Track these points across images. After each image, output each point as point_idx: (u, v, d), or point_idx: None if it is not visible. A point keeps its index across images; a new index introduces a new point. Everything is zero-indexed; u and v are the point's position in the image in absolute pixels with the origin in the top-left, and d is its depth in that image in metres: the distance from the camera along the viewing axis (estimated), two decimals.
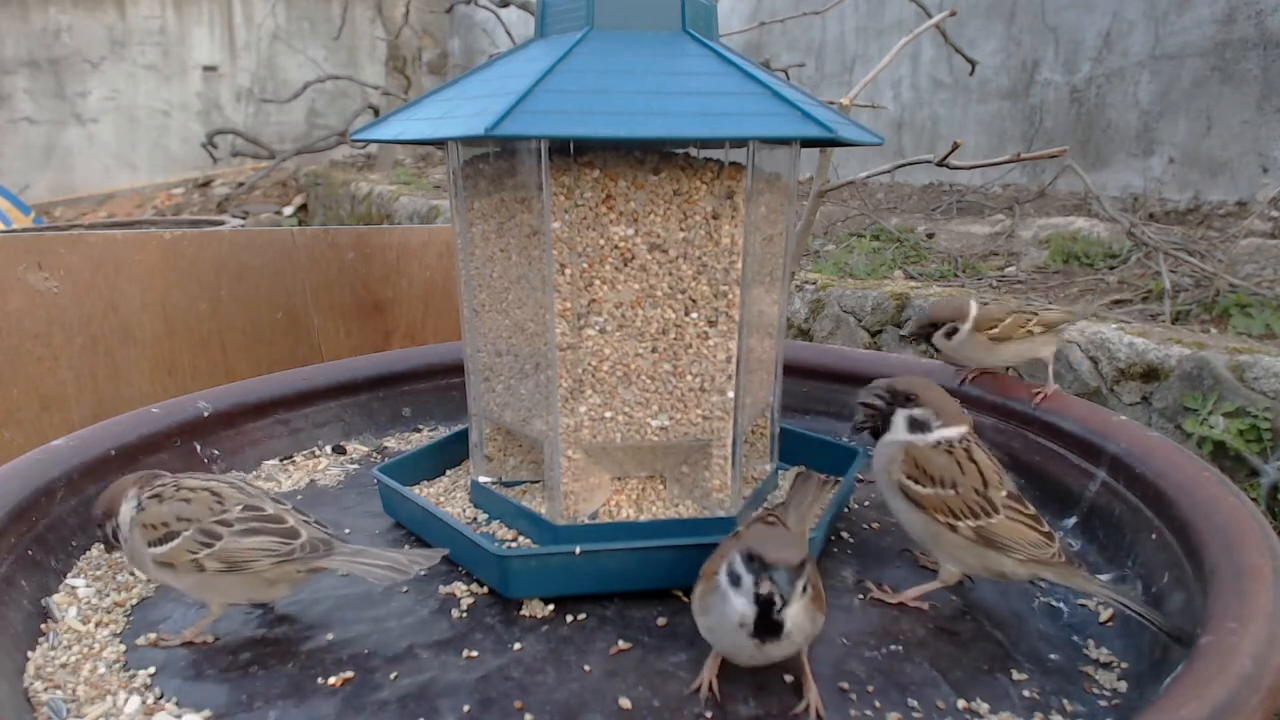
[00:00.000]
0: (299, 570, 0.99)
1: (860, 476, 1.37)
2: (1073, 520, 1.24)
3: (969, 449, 1.07)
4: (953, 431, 1.07)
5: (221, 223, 5.21)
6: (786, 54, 6.41)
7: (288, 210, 8.66)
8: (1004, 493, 1.03)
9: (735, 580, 0.84)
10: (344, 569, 0.99)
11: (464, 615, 1.04)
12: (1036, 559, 0.99)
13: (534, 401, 1.16)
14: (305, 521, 1.01)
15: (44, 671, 0.93)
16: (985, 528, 1.00)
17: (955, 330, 1.42)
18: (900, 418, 1.09)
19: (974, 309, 1.41)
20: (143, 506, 1.01)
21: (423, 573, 0.99)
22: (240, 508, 1.00)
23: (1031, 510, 1.03)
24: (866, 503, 1.33)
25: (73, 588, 1.08)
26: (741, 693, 0.91)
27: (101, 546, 1.18)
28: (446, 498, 1.33)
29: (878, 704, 0.89)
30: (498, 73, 1.11)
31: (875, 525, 1.27)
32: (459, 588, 1.09)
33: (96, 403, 1.95)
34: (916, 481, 1.05)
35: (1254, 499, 2.48)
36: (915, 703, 0.89)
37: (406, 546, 1.21)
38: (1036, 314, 1.42)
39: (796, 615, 0.84)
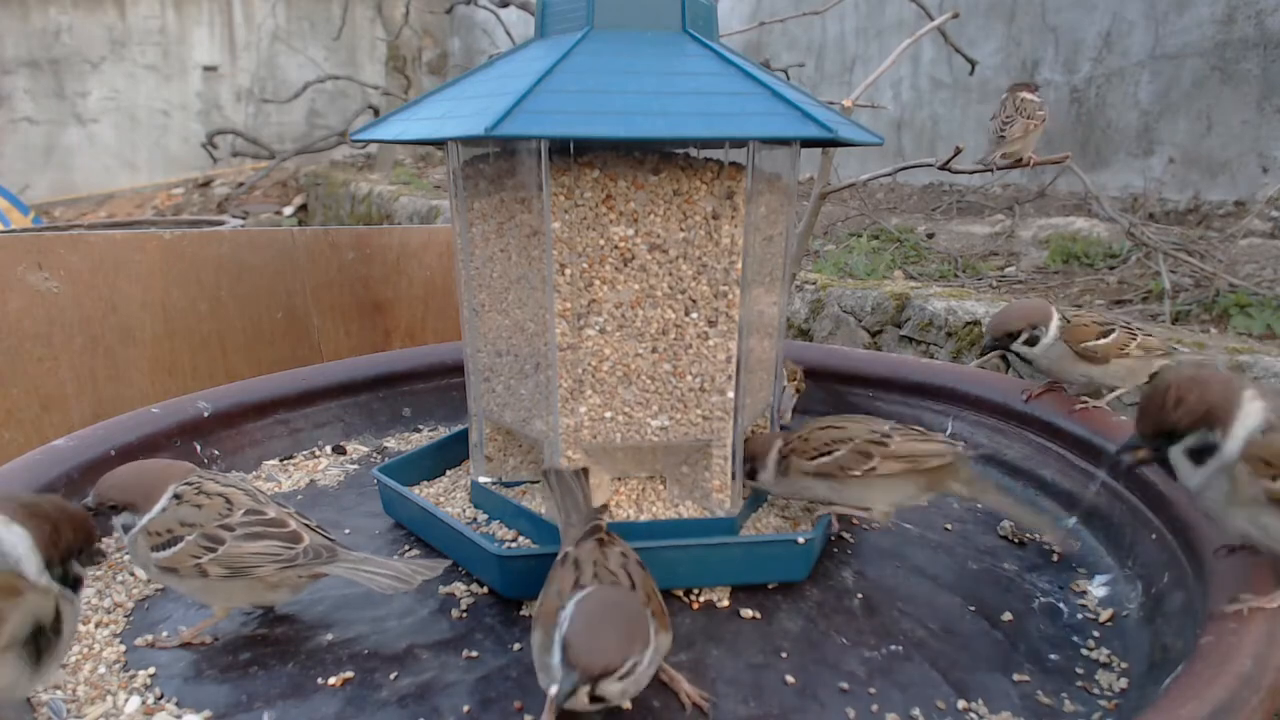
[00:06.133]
0: (301, 576, 0.99)
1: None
2: (1073, 520, 1.24)
3: None
4: None
5: (221, 223, 5.20)
6: (786, 54, 6.40)
7: (288, 210, 8.65)
8: None
9: (550, 675, 0.78)
10: (346, 576, 0.99)
11: (464, 615, 1.04)
12: None
13: (534, 401, 1.16)
14: (309, 527, 1.01)
15: None
16: None
17: (1036, 339, 1.33)
18: (1178, 454, 0.91)
19: (1056, 317, 1.33)
20: (164, 509, 1.00)
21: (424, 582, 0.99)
22: (243, 512, 0.99)
23: None
24: None
25: None
26: (740, 693, 0.91)
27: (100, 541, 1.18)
28: (446, 498, 1.33)
29: (877, 705, 0.89)
30: (498, 73, 1.11)
31: (875, 525, 1.27)
32: (459, 588, 1.09)
33: (96, 403, 1.95)
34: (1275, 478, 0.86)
35: None
36: (915, 703, 0.89)
37: (406, 548, 1.21)
38: (1136, 336, 1.35)
39: (618, 689, 0.76)
